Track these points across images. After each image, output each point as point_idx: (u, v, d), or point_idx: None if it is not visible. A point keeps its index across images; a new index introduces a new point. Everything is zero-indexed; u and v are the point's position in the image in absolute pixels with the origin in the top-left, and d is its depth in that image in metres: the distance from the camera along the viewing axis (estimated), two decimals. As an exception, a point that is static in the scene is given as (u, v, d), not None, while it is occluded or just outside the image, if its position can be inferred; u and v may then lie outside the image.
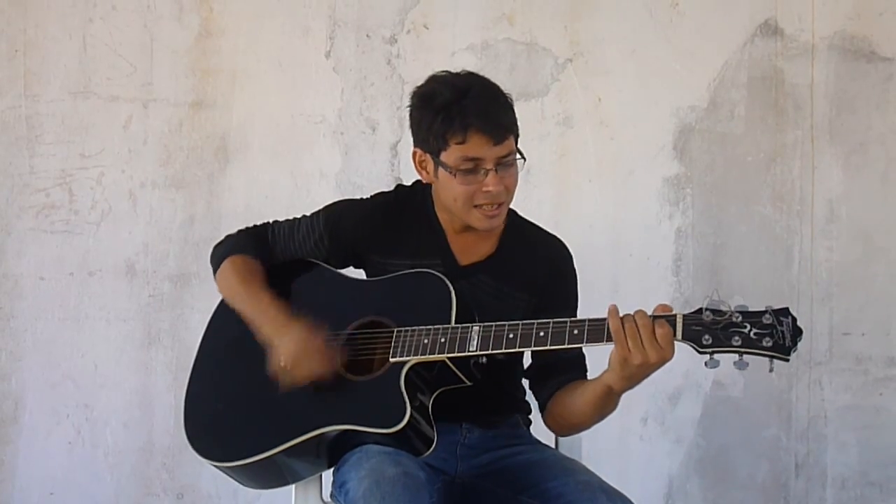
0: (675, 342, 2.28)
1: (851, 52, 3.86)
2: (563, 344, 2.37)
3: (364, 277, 2.74)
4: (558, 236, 2.76)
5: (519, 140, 2.60)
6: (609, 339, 2.32)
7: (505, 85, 2.63)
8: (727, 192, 3.88)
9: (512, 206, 2.72)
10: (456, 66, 2.68)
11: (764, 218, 3.87)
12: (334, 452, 2.53)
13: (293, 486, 2.68)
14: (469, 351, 2.44)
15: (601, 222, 3.90)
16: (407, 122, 2.68)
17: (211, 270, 2.80)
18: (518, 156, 2.58)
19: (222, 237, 2.82)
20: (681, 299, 3.81)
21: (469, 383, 2.53)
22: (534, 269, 2.67)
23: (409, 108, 2.63)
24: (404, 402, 2.41)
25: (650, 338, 2.28)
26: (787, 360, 2.23)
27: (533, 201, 3.75)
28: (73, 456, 3.93)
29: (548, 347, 2.38)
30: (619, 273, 3.88)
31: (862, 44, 3.85)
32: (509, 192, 2.58)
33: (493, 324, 2.44)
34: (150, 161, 3.94)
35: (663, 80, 3.89)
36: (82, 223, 3.94)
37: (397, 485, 2.31)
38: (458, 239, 2.68)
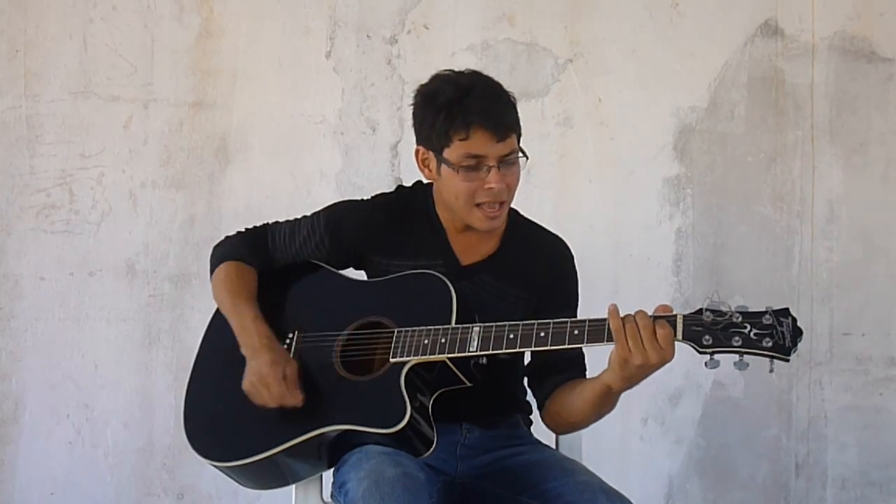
0: (676, 342, 2.29)
1: (852, 53, 3.86)
2: (564, 344, 2.37)
3: (364, 278, 2.74)
4: (560, 235, 2.77)
5: (521, 139, 2.60)
6: (609, 340, 2.32)
7: (505, 85, 2.64)
8: (727, 193, 3.88)
9: (512, 205, 2.72)
10: (456, 66, 2.68)
11: (764, 218, 3.87)
12: (334, 453, 2.53)
13: (293, 486, 2.68)
14: (469, 351, 2.44)
15: (601, 222, 3.90)
16: (407, 123, 2.69)
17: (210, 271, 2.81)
18: (520, 154, 2.59)
19: (222, 238, 2.82)
20: (681, 299, 3.81)
21: (469, 384, 2.53)
22: (535, 268, 2.68)
23: (411, 107, 2.64)
24: (404, 403, 2.42)
25: (651, 339, 2.28)
26: (788, 361, 2.23)
27: (533, 201, 3.75)
28: (73, 456, 3.93)
29: (548, 348, 2.38)
30: (620, 273, 3.88)
31: (862, 44, 3.85)
32: (511, 190, 2.59)
33: (494, 324, 2.44)
34: (151, 161, 3.94)
35: (663, 81, 3.89)
36: (82, 223, 3.93)
37: (397, 485, 2.31)
38: (460, 239, 2.68)
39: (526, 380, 2.71)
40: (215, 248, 2.80)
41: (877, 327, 3.84)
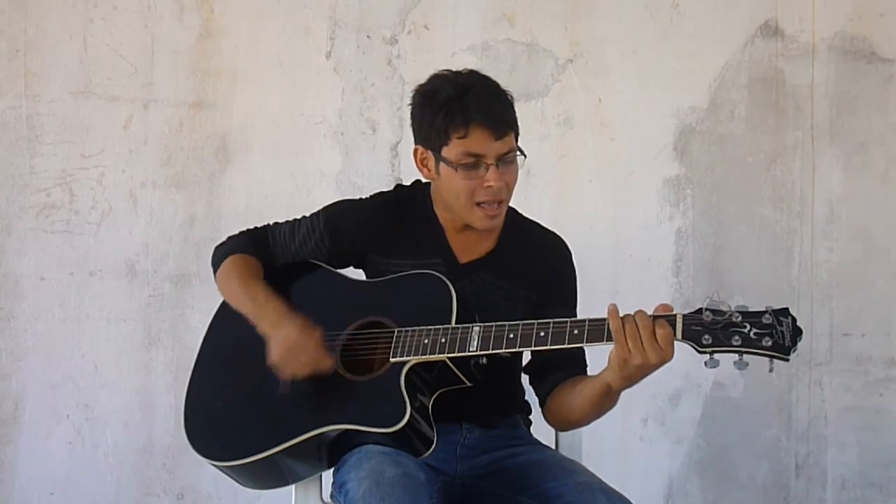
0: (676, 342, 2.29)
1: (852, 53, 3.86)
2: (563, 344, 2.37)
3: (364, 278, 2.75)
4: (558, 233, 2.77)
5: (519, 139, 2.61)
6: (609, 340, 2.32)
7: (505, 85, 2.64)
8: (727, 193, 3.89)
9: (512, 205, 2.73)
10: (456, 66, 2.69)
11: (764, 218, 3.87)
12: (334, 453, 2.53)
13: (293, 486, 2.68)
14: (469, 351, 2.44)
15: (601, 223, 3.90)
16: (407, 123, 2.69)
17: (211, 271, 2.81)
18: (518, 153, 2.59)
19: (223, 238, 2.83)
20: (681, 300, 3.81)
21: (469, 384, 2.53)
22: (534, 265, 2.68)
23: (410, 107, 2.65)
24: (404, 402, 2.42)
25: (650, 339, 2.28)
26: (787, 360, 2.23)
27: (533, 202, 3.75)
28: (73, 456, 3.93)
29: (548, 347, 2.39)
30: (620, 274, 3.88)
31: (862, 44, 3.85)
32: (509, 189, 2.60)
33: (494, 324, 2.44)
34: (151, 161, 3.94)
35: (664, 81, 3.89)
36: (83, 223, 3.93)
37: (397, 485, 2.31)
38: (458, 237, 2.69)
39: (527, 378, 2.71)
40: (217, 247, 2.81)
41: (877, 328, 3.84)
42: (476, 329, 2.45)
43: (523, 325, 2.42)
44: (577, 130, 3.91)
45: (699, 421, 3.87)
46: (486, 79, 2.62)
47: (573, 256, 2.75)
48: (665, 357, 2.29)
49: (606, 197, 3.90)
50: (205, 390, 2.71)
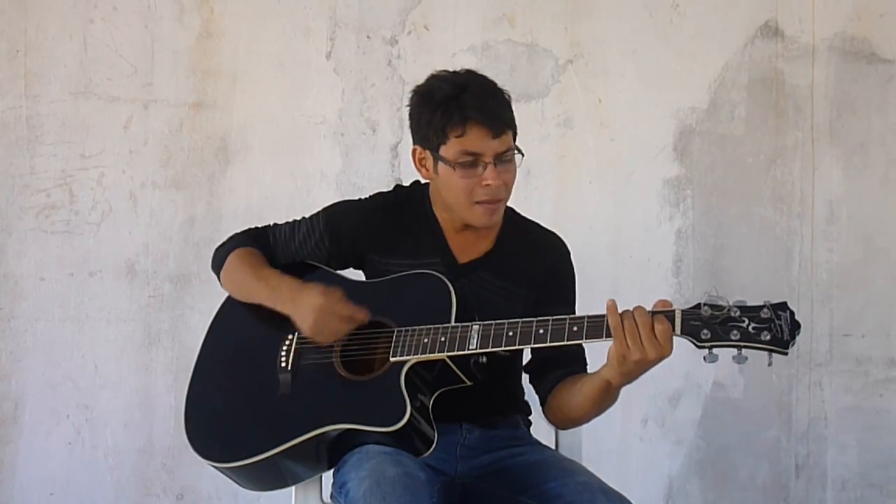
0: (674, 337, 2.29)
1: (852, 54, 3.86)
2: (563, 341, 2.38)
3: (363, 279, 2.75)
4: (556, 232, 2.78)
5: (517, 139, 2.61)
6: (608, 336, 2.32)
7: (505, 86, 2.65)
8: (727, 194, 3.89)
9: (512, 206, 2.73)
10: (456, 67, 2.69)
11: (764, 219, 3.87)
12: (334, 453, 2.53)
13: (293, 487, 2.67)
14: (469, 349, 2.45)
15: (601, 223, 3.90)
16: (407, 124, 2.70)
17: (211, 271, 2.81)
18: (517, 152, 2.59)
19: (223, 239, 2.83)
20: (681, 300, 3.81)
21: (469, 383, 2.53)
22: (532, 265, 2.68)
23: (408, 107, 2.65)
24: (404, 402, 2.42)
25: (649, 335, 2.29)
26: (786, 354, 2.24)
27: (533, 202, 3.76)
28: (73, 456, 3.92)
29: (547, 344, 2.39)
30: (620, 274, 3.88)
31: (862, 45, 3.85)
32: (508, 187, 2.60)
33: (493, 322, 2.45)
34: (151, 162, 3.94)
35: (664, 82, 3.89)
36: (83, 224, 3.93)
37: (398, 485, 2.31)
38: (457, 237, 2.69)
39: (527, 377, 2.71)
40: (218, 248, 2.81)
41: (877, 328, 3.84)
42: (475, 327, 2.46)
43: (522, 322, 2.42)
44: (578, 131, 3.91)
45: (699, 421, 3.87)
46: (483, 78, 2.63)
47: (572, 256, 2.75)
48: (664, 353, 2.29)
49: (606, 197, 3.90)
50: (205, 391, 2.71)
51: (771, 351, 2.23)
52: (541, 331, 2.40)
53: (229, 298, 2.78)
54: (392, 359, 2.50)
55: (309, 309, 2.53)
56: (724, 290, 2.21)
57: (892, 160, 3.85)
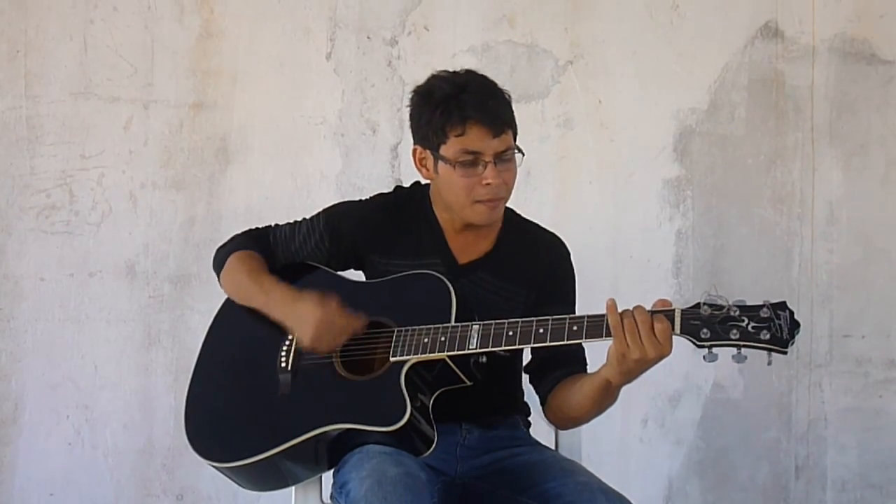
0: (674, 336, 2.29)
1: (852, 55, 3.86)
2: (563, 340, 2.38)
3: (364, 280, 2.75)
4: (556, 233, 2.78)
5: (517, 138, 2.61)
6: (608, 335, 2.33)
7: (505, 87, 2.65)
8: (727, 194, 3.89)
9: (513, 207, 2.73)
10: (457, 67, 2.69)
11: (764, 220, 3.87)
12: (334, 453, 2.53)
13: (293, 487, 2.67)
14: (469, 349, 2.45)
15: (601, 224, 3.90)
16: (407, 124, 2.70)
17: (212, 271, 2.81)
18: (517, 152, 2.59)
19: (223, 240, 2.83)
20: (681, 301, 3.80)
21: (469, 383, 2.54)
22: (532, 265, 2.69)
23: (408, 108, 2.65)
24: (404, 401, 2.42)
25: (649, 334, 2.29)
26: (785, 353, 2.24)
27: (533, 203, 3.76)
28: (72, 457, 3.92)
29: (547, 344, 2.39)
30: (620, 275, 3.88)
31: (862, 46, 3.86)
32: (508, 187, 2.60)
33: (493, 322, 2.45)
34: (151, 162, 3.94)
35: (664, 82, 3.89)
36: (83, 224, 3.93)
37: (399, 485, 2.31)
38: (457, 238, 2.69)
39: (528, 376, 2.72)
40: (219, 249, 2.81)
41: (877, 329, 3.84)
42: (475, 327, 2.46)
43: (522, 322, 2.42)
44: (578, 132, 3.91)
45: (699, 422, 3.87)
46: (483, 78, 2.63)
47: (572, 256, 2.76)
48: (663, 352, 2.30)
49: (606, 198, 3.90)
50: (205, 391, 2.71)
51: (770, 350, 2.23)
52: (541, 330, 2.40)
53: (229, 299, 2.78)
54: (392, 359, 2.50)
55: (306, 320, 2.54)
56: (723, 291, 2.22)
57: (891, 161, 3.85)
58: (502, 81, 2.65)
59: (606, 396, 2.49)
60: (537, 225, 2.79)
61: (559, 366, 2.61)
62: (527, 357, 2.70)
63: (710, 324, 2.26)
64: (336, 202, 2.85)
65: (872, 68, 3.86)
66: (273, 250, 2.76)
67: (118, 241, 3.93)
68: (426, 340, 2.48)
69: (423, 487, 2.36)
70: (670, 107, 3.89)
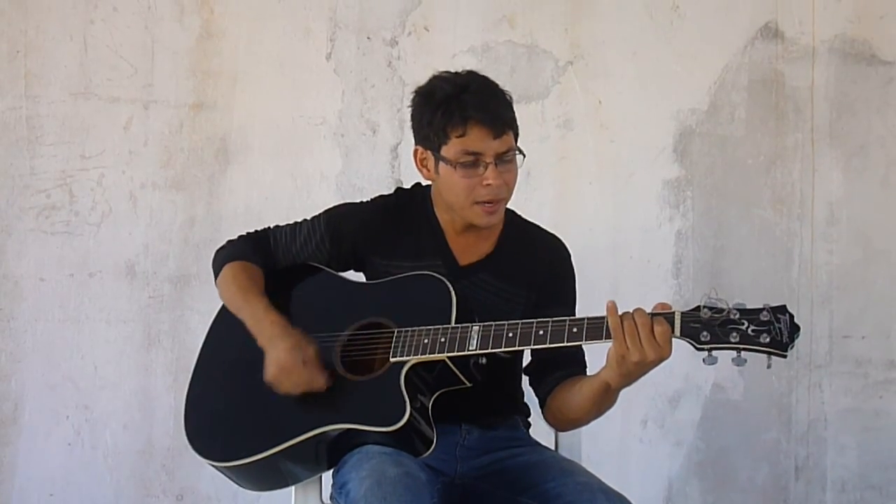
0: (674, 339, 2.29)
1: (852, 56, 3.86)
2: (563, 342, 2.38)
3: (364, 281, 2.75)
4: (556, 234, 2.78)
5: (518, 139, 2.61)
6: (608, 337, 2.33)
7: (505, 87, 2.64)
8: (727, 195, 3.89)
9: (512, 207, 2.73)
10: (457, 68, 2.69)
11: (764, 221, 3.87)
12: (334, 454, 2.53)
13: (293, 487, 2.67)
14: (469, 350, 2.45)
15: (601, 225, 3.90)
16: (408, 124, 2.70)
17: (211, 272, 2.81)
18: (518, 153, 2.59)
19: (224, 241, 2.83)
20: (681, 302, 3.81)
21: (469, 384, 2.53)
22: (533, 266, 2.69)
23: (409, 108, 2.65)
24: (404, 402, 2.42)
25: (648, 336, 2.29)
26: (785, 357, 2.24)
27: (533, 203, 3.75)
28: (72, 457, 3.92)
29: (547, 346, 2.39)
30: (620, 275, 3.88)
31: (862, 47, 3.86)
32: (509, 187, 2.60)
33: (493, 323, 2.45)
34: (151, 162, 3.94)
35: (664, 83, 3.89)
36: (82, 224, 3.93)
37: (399, 485, 2.31)
38: (458, 239, 2.69)
39: (527, 378, 2.71)
40: (218, 251, 2.81)
41: (876, 330, 3.84)
42: (475, 328, 2.46)
43: (522, 324, 2.42)
44: (578, 132, 3.91)
45: (699, 423, 3.87)
46: (485, 78, 2.63)
47: (572, 257, 2.76)
48: (663, 354, 2.30)
49: (606, 199, 3.90)
50: (205, 391, 2.71)
51: (770, 354, 2.24)
52: (540, 332, 2.40)
53: (228, 300, 2.79)
54: (392, 359, 2.50)
55: (275, 360, 2.54)
56: (723, 292, 2.22)
57: (891, 162, 3.85)
58: (502, 82, 2.65)
59: (606, 399, 2.49)
60: (538, 226, 2.79)
61: (559, 367, 2.61)
62: (527, 358, 2.70)
63: (710, 327, 2.26)
64: (336, 203, 2.85)
65: (872, 69, 3.86)
66: (273, 253, 2.76)
67: (118, 242, 3.93)
68: (426, 341, 2.48)
69: (422, 488, 2.35)
70: (670, 107, 3.89)
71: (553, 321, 2.40)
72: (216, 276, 2.77)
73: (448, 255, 2.68)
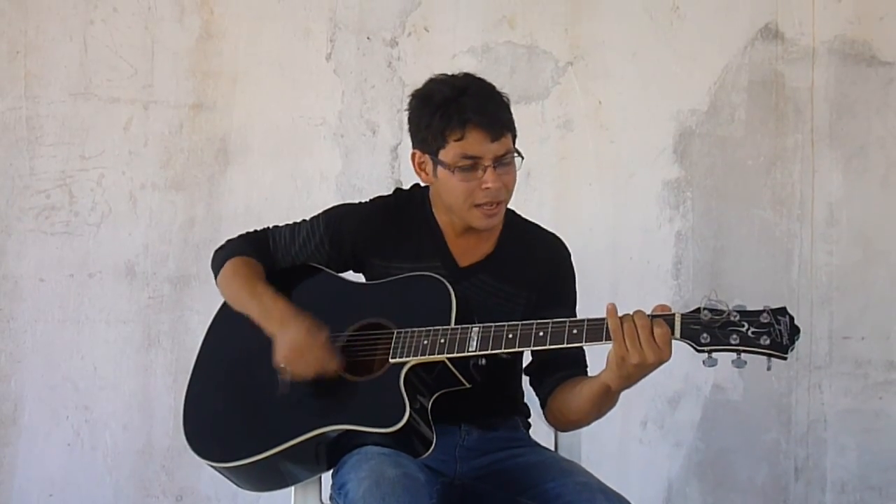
0: (674, 341, 2.29)
1: (852, 56, 3.86)
2: (562, 343, 2.37)
3: (364, 281, 2.75)
4: (556, 234, 2.78)
5: (517, 141, 2.61)
6: (608, 339, 2.32)
7: (505, 88, 2.64)
8: (727, 196, 3.89)
9: (511, 207, 2.73)
10: (457, 68, 2.69)
11: (764, 221, 3.87)
12: (333, 454, 2.53)
13: (292, 488, 2.67)
14: (468, 351, 2.45)
15: (601, 225, 3.90)
16: (407, 125, 2.69)
17: (211, 272, 2.81)
18: (516, 155, 2.59)
19: (223, 241, 2.83)
20: (681, 302, 3.81)
21: (468, 385, 2.53)
22: (533, 267, 2.68)
23: (407, 111, 2.65)
24: (403, 402, 2.42)
25: (648, 338, 2.29)
26: (785, 359, 2.24)
27: (533, 204, 3.75)
28: (72, 458, 3.92)
29: (547, 347, 2.39)
30: (620, 276, 3.88)
31: (862, 48, 3.86)
32: (508, 190, 2.60)
33: (493, 324, 2.44)
34: (151, 163, 3.94)
35: (664, 84, 3.89)
36: (82, 225, 3.93)
37: (398, 486, 2.31)
38: (458, 240, 2.69)
39: (527, 379, 2.71)
40: (217, 251, 2.81)
41: (876, 331, 3.84)
42: (475, 329, 2.46)
43: (522, 325, 2.42)
44: (577, 133, 3.91)
45: (698, 424, 3.87)
46: (482, 81, 2.62)
47: (572, 257, 2.75)
48: (663, 356, 2.29)
49: (606, 199, 3.90)
50: (204, 392, 2.71)
51: (770, 356, 2.23)
52: (540, 333, 2.40)
53: (228, 300, 2.79)
54: (391, 360, 2.50)
55: (288, 341, 2.53)
56: (723, 293, 2.22)
57: (891, 163, 3.86)
58: (502, 82, 2.65)
59: (606, 401, 2.49)
60: (538, 226, 2.78)
61: (559, 368, 2.61)
62: (527, 359, 2.70)
63: (710, 328, 2.26)
64: (336, 204, 2.84)
65: (872, 70, 3.86)
66: (272, 254, 2.76)
67: (118, 242, 3.93)
68: (426, 342, 2.48)
69: (421, 488, 2.35)
70: (670, 108, 3.89)
71: (553, 323, 2.40)
72: (216, 275, 2.77)
73: (447, 257, 2.68)
